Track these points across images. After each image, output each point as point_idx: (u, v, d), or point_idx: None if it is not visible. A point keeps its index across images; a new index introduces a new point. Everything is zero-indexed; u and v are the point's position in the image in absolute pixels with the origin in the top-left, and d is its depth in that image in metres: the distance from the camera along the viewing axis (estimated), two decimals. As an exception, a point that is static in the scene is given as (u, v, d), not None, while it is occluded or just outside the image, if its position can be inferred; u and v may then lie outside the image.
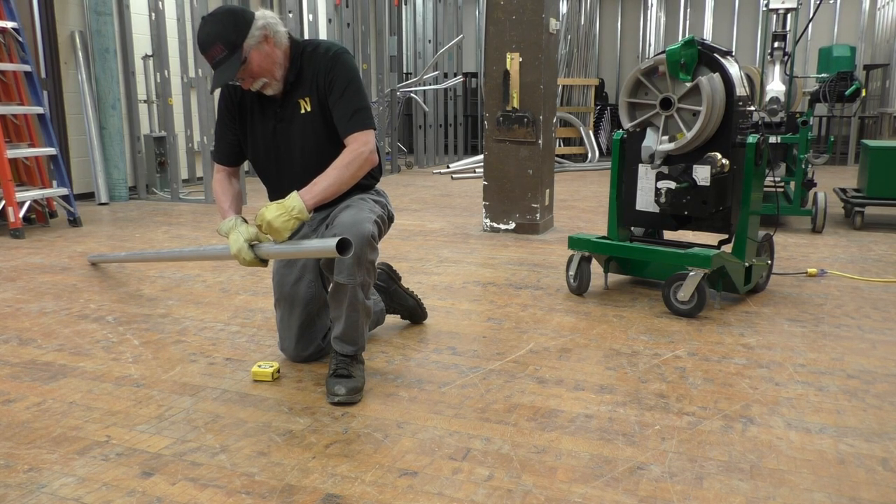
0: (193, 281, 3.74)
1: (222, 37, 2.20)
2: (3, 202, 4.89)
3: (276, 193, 2.46)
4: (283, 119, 2.38)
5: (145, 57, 7.12)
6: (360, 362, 2.36)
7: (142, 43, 7.10)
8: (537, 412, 2.18)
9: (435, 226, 5.39)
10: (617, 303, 3.35)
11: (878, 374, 2.49)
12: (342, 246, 2.01)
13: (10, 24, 5.13)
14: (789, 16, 5.30)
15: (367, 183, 2.46)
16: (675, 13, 11.64)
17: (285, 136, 2.40)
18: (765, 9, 5.36)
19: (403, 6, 10.83)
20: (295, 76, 2.34)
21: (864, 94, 6.06)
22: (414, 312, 2.99)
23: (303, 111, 2.36)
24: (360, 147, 2.28)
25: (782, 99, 5.29)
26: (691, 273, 3.08)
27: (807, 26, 7.21)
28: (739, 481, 1.78)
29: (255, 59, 2.24)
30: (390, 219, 2.51)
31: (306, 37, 8.12)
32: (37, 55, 6.21)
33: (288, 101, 2.37)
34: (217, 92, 2.85)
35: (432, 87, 9.86)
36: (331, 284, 2.31)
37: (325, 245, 2.05)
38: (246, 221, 2.29)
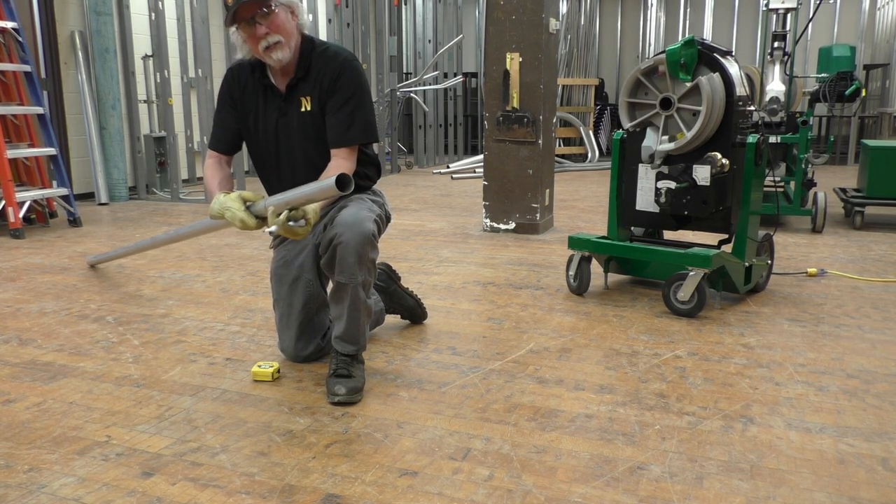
0: (193, 281, 3.74)
1: None
2: (3, 202, 4.89)
3: (275, 184, 2.46)
4: (285, 114, 2.38)
5: (145, 57, 7.12)
6: (361, 362, 2.37)
7: (142, 43, 7.10)
8: (537, 412, 2.18)
9: (435, 226, 5.39)
10: (617, 303, 3.35)
11: (878, 374, 2.49)
12: (341, 182, 1.93)
13: (10, 24, 5.12)
14: (789, 16, 5.30)
15: (364, 184, 2.46)
16: (675, 13, 11.64)
17: (286, 131, 2.40)
18: (765, 9, 5.36)
19: (403, 6, 10.83)
20: (304, 72, 2.34)
21: (863, 93, 6.06)
22: (414, 312, 2.99)
23: (303, 109, 2.36)
24: (347, 164, 2.30)
25: (782, 99, 5.29)
26: (691, 273, 3.08)
27: (807, 26, 7.21)
28: (739, 481, 1.78)
29: (280, 15, 2.22)
30: (388, 218, 2.51)
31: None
32: (37, 55, 6.21)
33: (291, 97, 2.37)
34: (217, 87, 2.83)
35: (432, 87, 9.86)
36: (331, 284, 2.31)
37: (324, 185, 1.97)
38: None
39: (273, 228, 2.01)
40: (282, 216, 2.00)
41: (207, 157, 2.50)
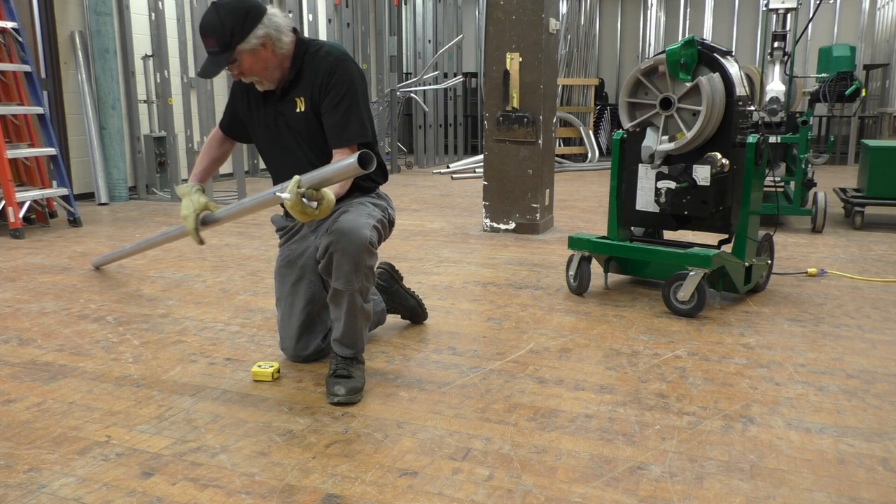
0: (193, 281, 3.74)
1: (218, 34, 2.21)
2: (3, 202, 4.89)
3: (280, 177, 2.47)
4: (282, 113, 2.41)
5: (145, 57, 7.12)
6: (360, 363, 2.36)
7: (142, 43, 7.10)
8: (537, 412, 2.18)
9: (435, 226, 5.39)
10: (617, 303, 3.35)
11: (878, 374, 2.49)
12: (363, 160, 1.92)
13: (10, 24, 5.12)
14: (789, 16, 5.30)
15: (367, 185, 2.46)
16: (675, 13, 11.63)
17: (284, 131, 2.42)
18: (765, 9, 5.36)
19: (403, 6, 10.83)
20: (295, 75, 2.35)
21: (863, 93, 6.07)
22: (415, 312, 2.99)
23: (297, 110, 2.37)
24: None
25: (782, 99, 5.29)
26: (691, 273, 3.08)
27: (807, 26, 7.21)
28: (739, 481, 1.78)
29: (246, 60, 2.26)
30: (391, 223, 2.50)
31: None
32: (37, 55, 6.20)
33: (286, 97, 2.39)
34: (217, 86, 2.86)
35: (432, 87, 9.86)
36: (329, 289, 2.31)
37: (346, 163, 1.97)
38: (203, 191, 2.48)
39: (287, 196, 2.01)
40: (300, 189, 2.01)
41: (213, 130, 2.65)
